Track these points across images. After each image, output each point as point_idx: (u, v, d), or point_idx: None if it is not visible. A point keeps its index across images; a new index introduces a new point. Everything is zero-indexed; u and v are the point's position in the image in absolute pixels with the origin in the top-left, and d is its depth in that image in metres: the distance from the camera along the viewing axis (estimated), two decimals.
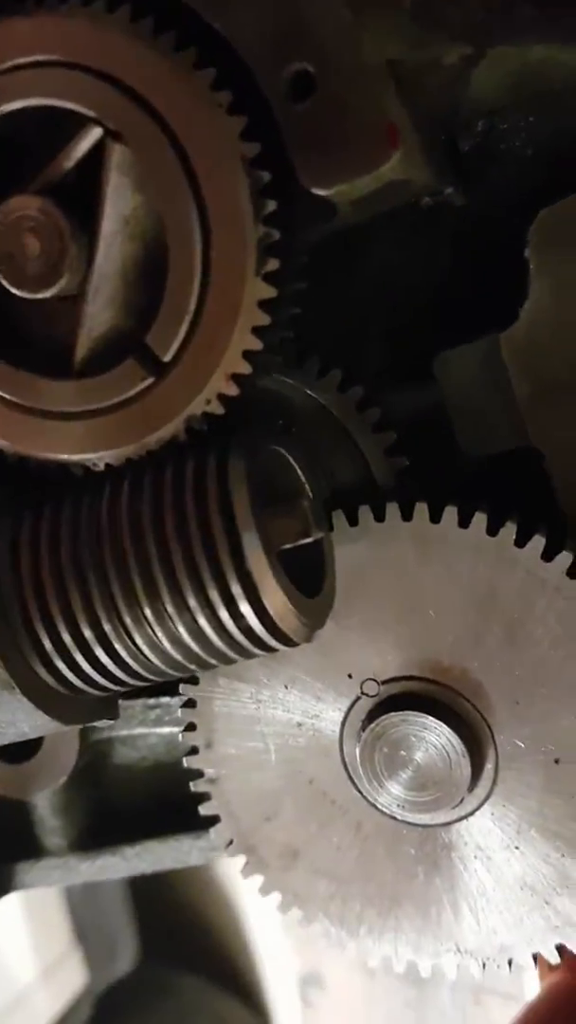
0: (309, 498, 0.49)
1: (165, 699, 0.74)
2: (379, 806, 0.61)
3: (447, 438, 0.59)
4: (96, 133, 0.44)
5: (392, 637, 0.59)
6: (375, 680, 0.60)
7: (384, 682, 0.59)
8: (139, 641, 0.48)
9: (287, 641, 0.48)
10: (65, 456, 0.49)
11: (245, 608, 0.46)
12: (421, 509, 0.56)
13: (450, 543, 0.56)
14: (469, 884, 0.62)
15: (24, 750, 0.75)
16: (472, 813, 0.60)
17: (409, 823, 0.61)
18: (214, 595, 0.46)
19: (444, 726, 0.57)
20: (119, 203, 0.45)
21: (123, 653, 0.48)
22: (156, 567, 0.46)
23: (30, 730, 0.51)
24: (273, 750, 0.63)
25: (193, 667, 0.50)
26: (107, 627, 0.47)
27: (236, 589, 0.46)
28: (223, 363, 0.45)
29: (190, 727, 0.64)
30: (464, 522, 0.55)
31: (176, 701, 0.70)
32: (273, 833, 0.64)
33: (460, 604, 0.57)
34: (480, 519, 0.55)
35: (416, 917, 0.63)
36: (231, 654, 0.48)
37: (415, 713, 0.58)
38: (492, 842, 0.60)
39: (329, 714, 0.61)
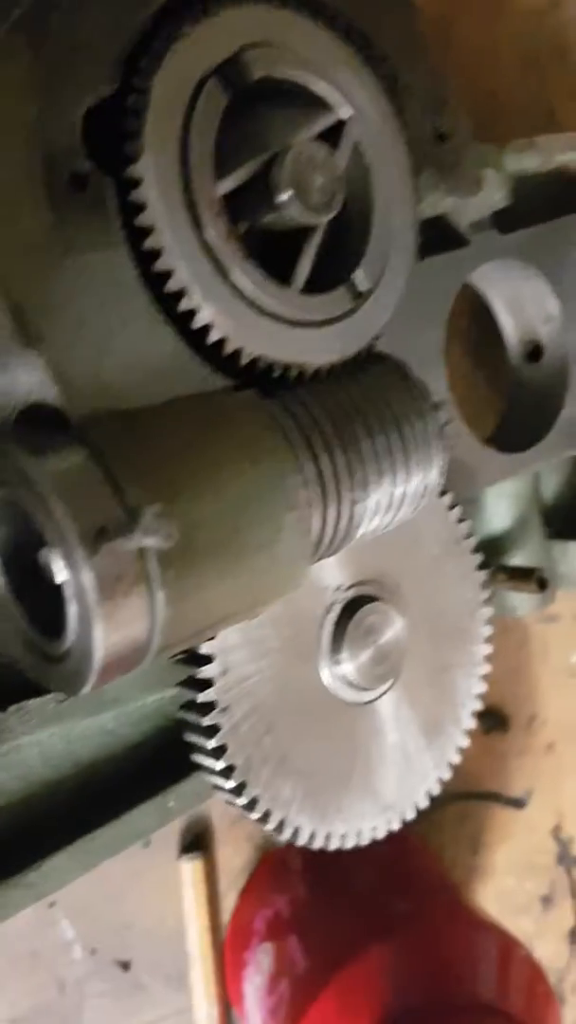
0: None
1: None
2: (345, 691, 0.75)
3: None
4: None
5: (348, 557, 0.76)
6: (341, 587, 0.75)
7: (345, 589, 0.76)
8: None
9: None
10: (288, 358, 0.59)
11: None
12: None
13: None
14: (392, 745, 0.80)
15: None
16: (394, 684, 0.79)
17: (359, 703, 0.77)
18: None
19: (396, 614, 0.77)
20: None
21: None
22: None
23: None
24: (270, 666, 0.72)
25: None
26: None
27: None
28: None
29: (204, 660, 0.68)
30: None
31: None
32: (268, 747, 0.72)
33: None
34: None
35: (364, 788, 0.78)
36: None
37: (382, 604, 0.76)
38: (402, 709, 0.80)
39: (312, 620, 0.74)
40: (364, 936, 0.94)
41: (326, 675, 0.76)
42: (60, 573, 0.49)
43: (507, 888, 1.21)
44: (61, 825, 0.73)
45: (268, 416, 0.55)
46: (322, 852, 0.79)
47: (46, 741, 0.74)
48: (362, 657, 0.76)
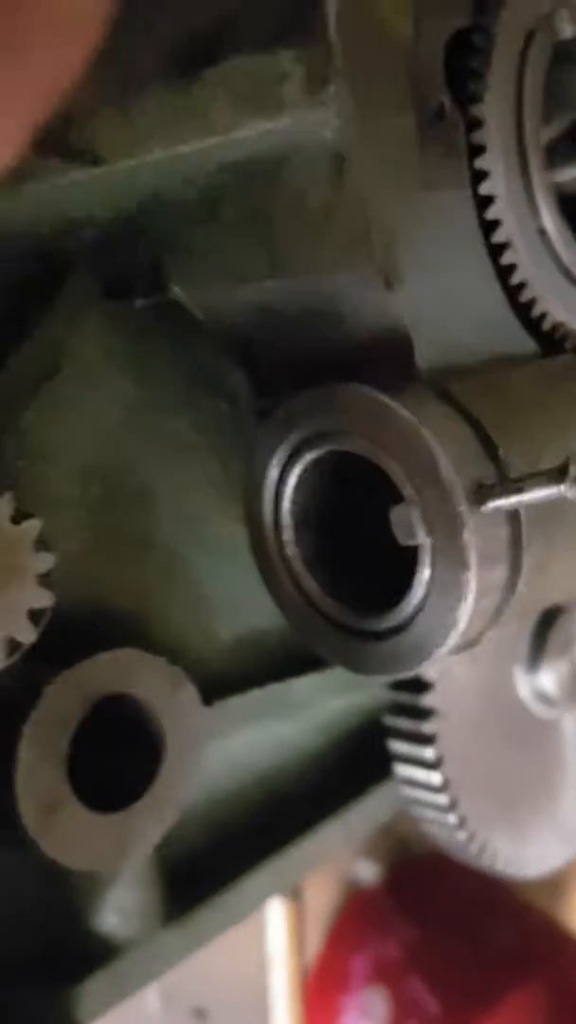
0: None
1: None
2: (537, 705, 0.70)
3: None
4: None
5: None
6: None
7: None
8: None
9: None
10: None
11: None
12: None
13: None
14: (574, 768, 0.75)
15: (125, 788, 0.57)
16: None
17: (546, 720, 0.72)
18: None
19: None
20: None
21: None
22: None
23: None
24: (479, 671, 0.67)
25: None
26: None
27: None
28: None
29: None
30: None
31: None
32: (476, 760, 0.66)
33: None
34: None
35: (550, 813, 0.73)
36: None
37: None
38: None
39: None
40: (499, 975, 0.89)
41: (522, 685, 0.71)
42: (419, 533, 0.44)
43: None
44: (247, 842, 0.66)
45: None
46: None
47: (233, 749, 0.67)
48: (562, 669, 0.72)
